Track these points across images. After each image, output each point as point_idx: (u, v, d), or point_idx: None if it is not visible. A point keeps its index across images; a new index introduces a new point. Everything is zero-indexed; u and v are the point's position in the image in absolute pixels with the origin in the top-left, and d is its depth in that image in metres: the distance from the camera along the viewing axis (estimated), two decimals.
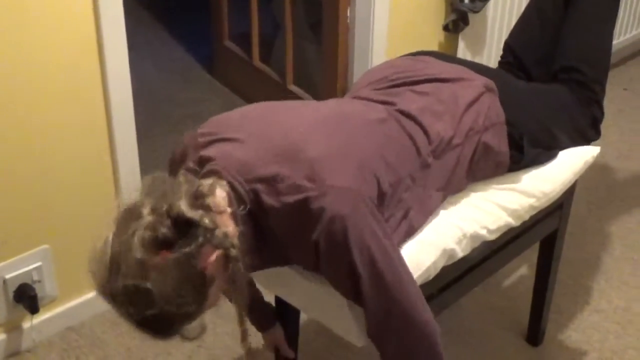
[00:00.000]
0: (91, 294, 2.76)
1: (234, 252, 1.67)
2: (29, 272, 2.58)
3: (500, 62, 2.63)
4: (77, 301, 2.77)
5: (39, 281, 2.61)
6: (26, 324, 2.65)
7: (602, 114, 2.45)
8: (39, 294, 2.61)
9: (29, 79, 2.41)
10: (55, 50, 2.43)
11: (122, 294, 1.56)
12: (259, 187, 1.73)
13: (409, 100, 2.04)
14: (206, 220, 1.63)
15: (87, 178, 2.64)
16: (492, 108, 2.15)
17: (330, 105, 2.04)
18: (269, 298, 2.35)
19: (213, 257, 1.64)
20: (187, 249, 1.59)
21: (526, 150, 2.21)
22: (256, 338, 2.41)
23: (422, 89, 2.10)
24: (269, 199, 1.72)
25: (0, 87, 2.35)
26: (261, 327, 2.36)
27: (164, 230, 1.56)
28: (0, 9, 2.24)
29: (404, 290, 1.79)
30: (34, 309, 2.60)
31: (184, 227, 1.60)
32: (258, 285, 2.25)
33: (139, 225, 1.57)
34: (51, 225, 2.61)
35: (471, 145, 2.09)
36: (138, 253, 1.54)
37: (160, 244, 1.56)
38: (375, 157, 1.84)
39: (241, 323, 1.88)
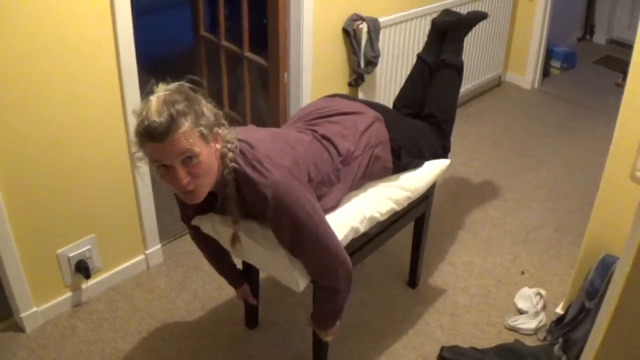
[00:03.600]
0: (124, 266, 2.78)
1: (226, 149, 1.75)
2: (83, 252, 2.60)
3: None
4: (115, 270, 2.77)
5: (90, 257, 2.63)
6: (83, 286, 2.66)
7: (449, 143, 2.52)
8: (90, 266, 2.63)
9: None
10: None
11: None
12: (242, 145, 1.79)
13: (326, 128, 2.08)
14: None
15: (114, 190, 2.62)
16: (380, 131, 2.19)
17: (281, 130, 2.11)
18: (239, 264, 2.38)
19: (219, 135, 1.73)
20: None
21: (403, 157, 2.25)
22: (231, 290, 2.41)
23: (334, 120, 2.13)
24: (245, 165, 1.76)
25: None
26: (234, 285, 2.39)
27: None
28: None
29: (326, 232, 1.85)
30: (87, 275, 2.63)
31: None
32: (234, 259, 2.28)
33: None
34: (95, 221, 2.60)
35: (367, 156, 2.13)
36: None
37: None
38: (306, 158, 1.89)
39: (234, 226, 1.92)
